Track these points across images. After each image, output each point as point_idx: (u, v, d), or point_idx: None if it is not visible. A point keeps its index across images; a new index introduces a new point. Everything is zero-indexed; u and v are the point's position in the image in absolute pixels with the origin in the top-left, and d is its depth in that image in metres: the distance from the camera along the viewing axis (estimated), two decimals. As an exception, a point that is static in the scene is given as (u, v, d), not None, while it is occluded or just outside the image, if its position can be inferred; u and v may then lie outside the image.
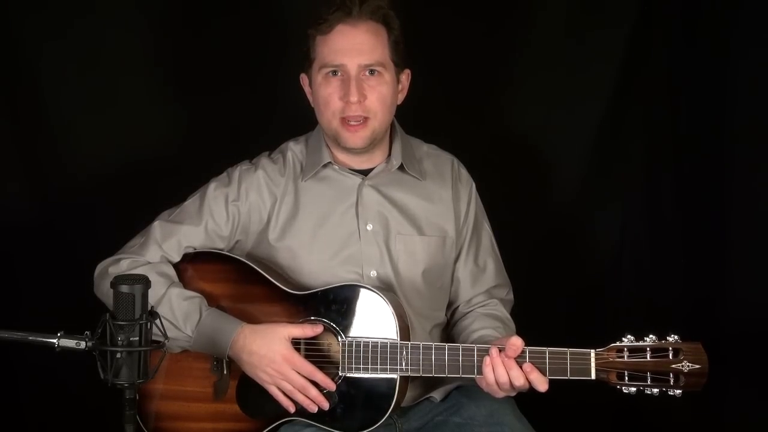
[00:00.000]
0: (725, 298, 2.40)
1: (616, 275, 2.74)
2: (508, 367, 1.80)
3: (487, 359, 1.81)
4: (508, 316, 2.15)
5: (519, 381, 1.79)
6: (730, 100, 2.38)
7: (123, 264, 2.01)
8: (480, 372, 1.83)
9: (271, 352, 1.89)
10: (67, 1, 2.54)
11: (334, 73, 2.00)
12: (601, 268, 2.75)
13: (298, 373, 1.89)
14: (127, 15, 2.57)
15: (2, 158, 2.53)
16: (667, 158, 2.64)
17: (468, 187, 2.19)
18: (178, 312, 1.94)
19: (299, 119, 2.19)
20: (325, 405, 1.90)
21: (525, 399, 1.93)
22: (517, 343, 1.80)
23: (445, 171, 2.17)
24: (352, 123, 2.00)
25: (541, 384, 1.79)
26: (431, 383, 2.04)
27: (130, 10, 2.57)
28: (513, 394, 1.86)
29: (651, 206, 2.69)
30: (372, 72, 2.00)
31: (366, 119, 2.01)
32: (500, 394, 1.85)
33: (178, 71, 2.63)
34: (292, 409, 1.91)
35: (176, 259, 2.05)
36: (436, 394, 2.03)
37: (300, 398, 1.90)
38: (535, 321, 2.08)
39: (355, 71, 1.98)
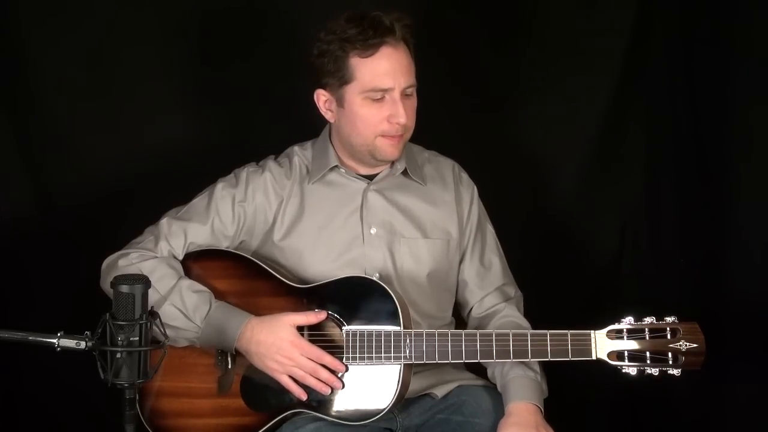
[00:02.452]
0: (726, 297, 2.39)
1: (616, 275, 2.74)
2: None
3: None
4: (522, 318, 2.12)
5: None
6: (730, 99, 2.36)
7: (132, 256, 2.03)
8: (483, 357, 1.87)
9: (278, 339, 1.91)
10: (75, 3, 2.53)
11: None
12: (602, 269, 2.75)
13: (308, 358, 1.91)
14: (137, 16, 2.56)
15: (4, 158, 2.53)
16: (668, 158, 2.64)
17: (470, 190, 2.21)
18: (188, 303, 1.96)
19: (306, 126, 2.21)
20: (338, 385, 1.91)
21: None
22: None
23: (447, 175, 2.20)
24: (393, 135, 2.01)
25: None
26: (433, 379, 2.05)
27: (143, 13, 2.56)
28: None
29: (651, 206, 2.69)
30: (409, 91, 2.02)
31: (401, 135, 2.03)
32: None
33: (182, 75, 2.62)
34: (304, 396, 1.92)
35: (181, 255, 2.07)
36: (437, 391, 2.05)
37: (312, 382, 1.91)
38: (535, 322, 2.09)
39: (399, 93, 1.99)
